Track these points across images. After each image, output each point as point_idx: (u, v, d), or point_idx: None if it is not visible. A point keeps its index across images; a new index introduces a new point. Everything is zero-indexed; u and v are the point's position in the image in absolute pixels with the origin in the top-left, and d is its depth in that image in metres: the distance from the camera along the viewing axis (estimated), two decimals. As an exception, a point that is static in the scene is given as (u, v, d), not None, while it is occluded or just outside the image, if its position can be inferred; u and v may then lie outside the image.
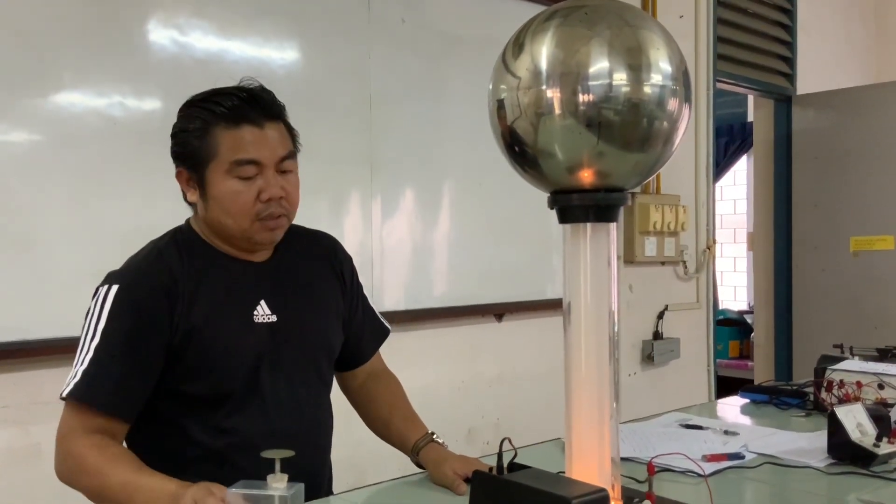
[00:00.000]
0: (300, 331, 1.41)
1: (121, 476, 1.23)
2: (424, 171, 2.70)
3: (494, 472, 1.08)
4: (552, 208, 1.11)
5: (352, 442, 1.85)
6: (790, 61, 4.35)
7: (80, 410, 1.28)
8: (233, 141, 1.30)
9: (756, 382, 4.62)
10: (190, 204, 1.41)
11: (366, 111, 2.56)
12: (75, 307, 1.91)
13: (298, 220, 1.48)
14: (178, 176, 1.38)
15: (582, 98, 1.00)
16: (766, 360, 4.49)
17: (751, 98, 4.77)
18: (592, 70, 1.00)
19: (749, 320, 5.30)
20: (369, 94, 2.56)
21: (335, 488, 1.53)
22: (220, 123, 1.30)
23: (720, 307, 5.60)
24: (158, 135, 2.11)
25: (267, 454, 1.09)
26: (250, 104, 1.32)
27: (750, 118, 5.26)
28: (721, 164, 5.68)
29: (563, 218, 1.10)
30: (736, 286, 6.29)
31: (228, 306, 1.35)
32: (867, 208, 4.06)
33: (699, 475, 1.39)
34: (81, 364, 1.28)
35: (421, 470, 1.46)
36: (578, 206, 1.08)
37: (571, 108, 1.01)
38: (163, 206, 2.02)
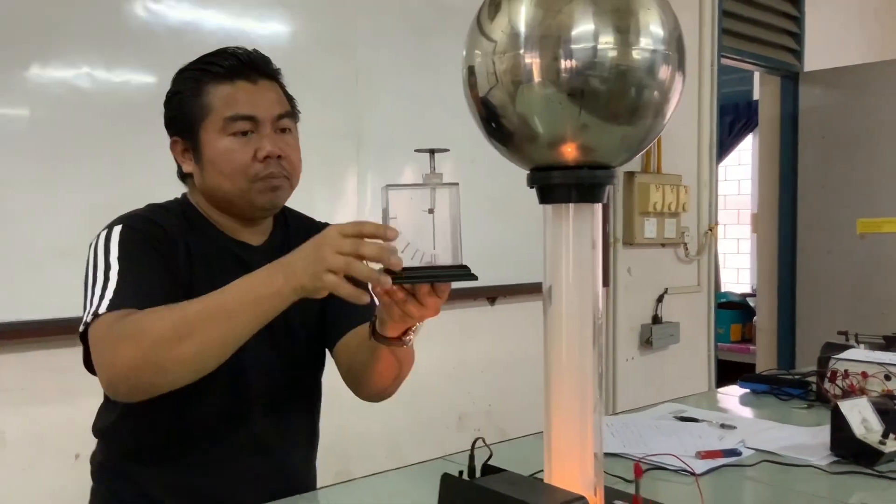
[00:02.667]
0: (286, 317, 1.31)
1: (200, 301, 1.05)
2: (413, 148, 2.58)
3: (465, 475, 0.99)
4: (531, 187, 1.01)
5: (333, 427, 1.78)
6: (798, 37, 4.22)
7: (123, 314, 1.09)
8: (226, 97, 1.24)
9: (758, 368, 4.55)
10: (185, 178, 1.33)
11: (352, 85, 2.45)
12: (39, 288, 1.83)
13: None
14: (172, 147, 1.31)
15: (564, 64, 0.89)
16: (768, 345, 4.41)
17: (757, 75, 4.64)
18: (575, 33, 0.89)
19: (752, 303, 5.21)
20: (356, 67, 2.45)
21: (319, 479, 1.45)
22: (214, 80, 1.25)
23: (722, 290, 5.51)
24: (129, 107, 2.03)
25: (420, 150, 1.08)
26: (246, 63, 1.27)
27: (756, 96, 5.13)
28: (726, 143, 5.56)
29: (544, 198, 1.00)
30: (739, 268, 6.18)
31: (221, 283, 1.24)
32: (875, 189, 3.95)
33: (692, 474, 1.29)
34: (107, 290, 1.12)
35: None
36: (560, 184, 0.97)
37: (552, 75, 0.90)
38: (134, 182, 1.93)
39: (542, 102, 0.92)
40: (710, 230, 3.75)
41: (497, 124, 0.98)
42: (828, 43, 4.33)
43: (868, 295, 3.95)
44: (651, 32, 0.91)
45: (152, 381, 1.07)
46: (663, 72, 0.93)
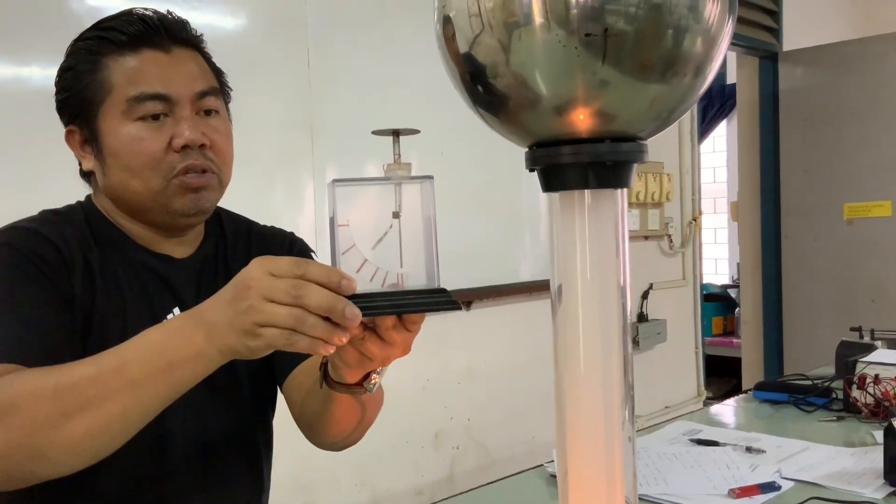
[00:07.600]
0: None
1: (94, 362, 0.79)
2: (376, 139, 2.32)
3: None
4: (532, 169, 0.75)
5: (296, 455, 1.53)
6: (775, 15, 4.03)
7: None
8: (130, 71, 0.98)
9: (744, 362, 4.36)
10: (87, 177, 1.06)
11: (303, 68, 2.17)
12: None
13: (223, 204, 1.12)
14: (68, 138, 1.03)
15: (576, -3, 0.64)
16: (754, 337, 4.22)
17: (732, 57, 4.44)
18: (591, -48, 0.64)
19: (732, 295, 5.03)
20: (307, 47, 2.18)
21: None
22: (114, 51, 0.98)
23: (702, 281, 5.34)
24: (38, 101, 1.74)
25: (378, 131, 0.85)
26: (154, 28, 0.99)
27: (730, 80, 4.95)
28: (699, 129, 5.37)
29: (549, 183, 0.75)
30: (717, 259, 6.00)
31: (134, 310, 1.00)
32: (861, 172, 3.77)
33: (731, 521, 1.06)
34: None
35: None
36: (573, 164, 0.72)
37: (560, 12, 0.65)
38: (54, 187, 1.64)
39: (546, 51, 0.66)
40: (695, 220, 3.54)
41: (485, 86, 0.72)
42: (807, 21, 4.14)
43: (857, 282, 3.78)
44: (693, -48, 0.67)
45: (31, 469, 0.79)
46: (710, 7, 0.69)
